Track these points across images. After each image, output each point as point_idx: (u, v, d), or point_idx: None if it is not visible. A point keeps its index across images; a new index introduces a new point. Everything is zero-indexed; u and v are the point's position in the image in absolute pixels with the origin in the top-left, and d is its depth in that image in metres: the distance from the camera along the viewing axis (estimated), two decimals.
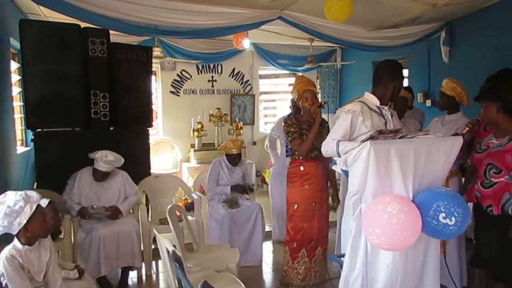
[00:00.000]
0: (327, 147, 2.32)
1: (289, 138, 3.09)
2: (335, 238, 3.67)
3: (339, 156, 2.18)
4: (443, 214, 1.80)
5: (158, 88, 6.84)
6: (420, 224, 1.82)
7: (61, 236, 3.37)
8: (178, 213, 3.41)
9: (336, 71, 7.93)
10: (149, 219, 4.09)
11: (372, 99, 2.45)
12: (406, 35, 5.01)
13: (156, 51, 5.21)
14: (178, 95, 6.90)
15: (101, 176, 3.49)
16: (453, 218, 1.79)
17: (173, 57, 6.29)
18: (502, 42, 4.42)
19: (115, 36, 4.40)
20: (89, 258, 3.25)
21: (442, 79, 3.50)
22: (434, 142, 2.01)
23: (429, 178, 2.02)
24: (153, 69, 6.64)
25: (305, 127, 3.09)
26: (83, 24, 3.82)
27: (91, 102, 3.91)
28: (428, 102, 5.53)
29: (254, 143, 7.49)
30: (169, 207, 2.92)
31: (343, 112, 2.38)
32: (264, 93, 7.85)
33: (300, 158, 3.08)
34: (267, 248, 4.35)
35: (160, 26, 4.22)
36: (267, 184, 6.89)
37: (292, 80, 8.02)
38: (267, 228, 4.64)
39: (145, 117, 4.42)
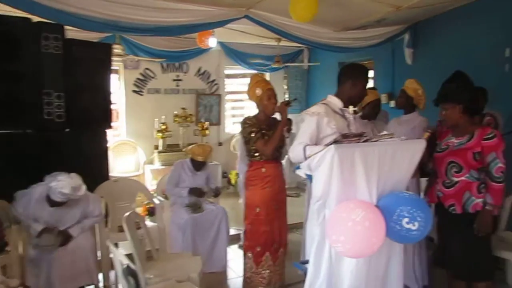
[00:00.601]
0: (295, 153, 2.26)
1: (251, 139, 2.97)
2: (300, 239, 3.61)
3: (305, 159, 2.13)
4: (407, 219, 1.76)
5: (120, 87, 6.59)
6: (384, 230, 1.77)
7: (8, 248, 3.07)
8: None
9: (304, 71, 7.93)
10: (108, 226, 3.89)
11: (335, 102, 2.41)
12: (372, 37, 5.05)
13: (117, 49, 4.99)
14: (142, 95, 6.67)
15: (56, 203, 2.98)
16: (416, 223, 1.76)
17: (136, 55, 6.06)
18: (462, 45, 4.53)
19: (75, 32, 4.16)
20: (40, 273, 2.92)
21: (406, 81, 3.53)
22: (398, 145, 1.98)
23: (393, 181, 1.99)
24: (115, 68, 6.42)
25: (264, 127, 3.00)
26: (35, 18, 3.57)
27: (44, 102, 3.67)
28: (392, 103, 5.60)
29: (220, 144, 7.36)
30: (125, 215, 2.75)
31: (307, 115, 2.34)
32: (231, 93, 7.74)
33: (262, 159, 2.99)
34: (233, 253, 4.25)
35: (120, 22, 4.01)
36: (233, 186, 6.81)
37: None
38: (234, 232, 4.55)
39: (104, 118, 4.20)
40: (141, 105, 6.62)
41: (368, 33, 4.99)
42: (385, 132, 2.03)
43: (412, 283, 3.30)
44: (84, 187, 3.05)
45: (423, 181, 3.29)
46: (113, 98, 4.64)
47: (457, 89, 2.56)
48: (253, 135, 2.95)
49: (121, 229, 3.71)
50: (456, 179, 2.55)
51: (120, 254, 2.04)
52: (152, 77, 6.72)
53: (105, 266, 3.54)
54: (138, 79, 6.61)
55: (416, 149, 2.00)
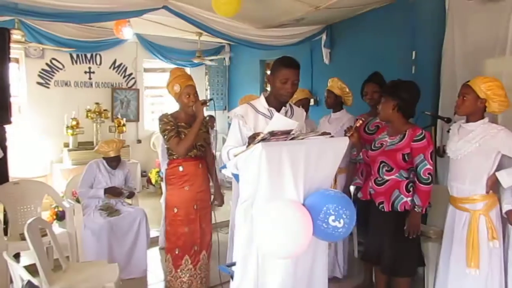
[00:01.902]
0: (223, 157, 2.23)
1: (165, 137, 2.81)
2: (226, 239, 3.53)
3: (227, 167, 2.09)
4: (333, 217, 1.77)
5: (21, 78, 5.91)
6: (311, 230, 1.77)
7: None
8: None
9: (225, 67, 7.86)
10: (8, 234, 3.45)
11: (262, 101, 2.33)
12: (291, 35, 5.15)
13: (16, 34, 4.43)
14: (48, 87, 6.06)
15: None
16: (341, 220, 1.78)
17: (40, 43, 5.46)
18: (374, 47, 4.79)
19: None
20: None
21: (324, 80, 3.65)
22: (324, 143, 2.00)
23: (319, 179, 2.00)
24: (15, 56, 5.74)
25: (183, 124, 2.85)
26: None
27: None
28: (312, 101, 5.78)
29: (139, 141, 7.01)
30: (28, 222, 2.43)
31: (232, 116, 2.28)
32: (150, 87, 7.40)
33: (179, 158, 2.85)
34: (154, 256, 4.04)
35: (20, 4, 3.59)
36: (153, 185, 6.52)
37: None
38: (156, 233, 4.33)
39: (2, 112, 3.70)
40: (47, 98, 6.01)
41: (288, 32, 5.08)
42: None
43: (336, 273, 3.45)
44: None
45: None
46: (12, 90, 4.13)
47: (396, 85, 2.63)
48: (166, 133, 2.79)
49: (24, 237, 3.32)
50: (387, 178, 2.63)
51: (19, 268, 1.77)
52: (60, 68, 6.14)
53: (3, 280, 3.12)
54: (44, 70, 5.99)
55: (340, 146, 2.03)
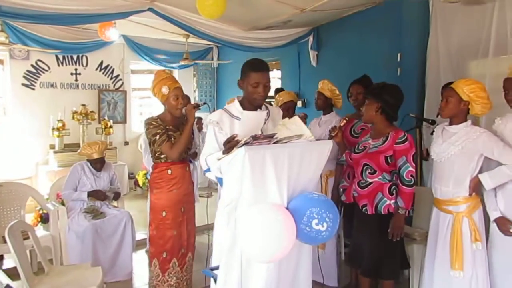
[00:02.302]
0: (202, 165, 2.22)
1: (156, 141, 2.77)
2: (207, 241, 3.51)
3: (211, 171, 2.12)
4: (316, 221, 1.77)
5: (6, 79, 5.82)
6: (295, 233, 1.77)
7: None
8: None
9: (213, 69, 7.85)
10: None
11: (236, 105, 2.30)
12: (278, 38, 5.16)
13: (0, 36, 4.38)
14: (33, 89, 5.98)
15: None
16: (325, 224, 1.78)
17: (25, 45, 5.40)
18: (360, 49, 4.83)
19: None
20: None
21: (311, 81, 3.66)
22: (307, 146, 1.99)
23: (303, 182, 1.99)
24: None
25: (171, 128, 2.82)
26: None
27: None
28: (299, 103, 5.80)
29: (127, 143, 6.95)
30: (9, 225, 2.39)
31: (207, 123, 2.27)
32: (138, 89, 7.35)
33: (168, 161, 2.83)
34: (140, 259, 4.00)
35: (4, 7, 3.54)
36: (141, 187, 6.47)
37: None
38: (142, 236, 4.29)
39: None
40: (33, 100, 5.94)
41: (274, 34, 5.10)
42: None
43: (318, 277, 3.43)
44: None
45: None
46: None
47: (380, 87, 2.64)
48: (157, 137, 2.75)
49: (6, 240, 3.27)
50: (370, 180, 2.63)
51: None
52: (46, 70, 6.07)
53: None
54: (29, 71, 5.92)
55: (323, 149, 2.03)
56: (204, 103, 2.84)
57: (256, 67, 2.20)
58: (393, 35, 4.37)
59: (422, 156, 2.99)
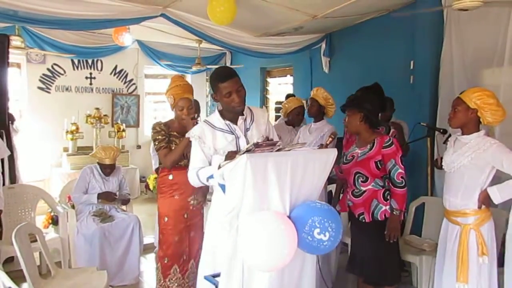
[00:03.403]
0: (191, 179, 2.23)
1: (155, 146, 2.80)
2: None
3: (203, 183, 2.14)
4: (318, 230, 1.75)
5: (23, 83, 5.95)
6: (296, 242, 1.75)
7: None
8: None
9: None
10: (2, 239, 3.45)
11: (217, 116, 2.27)
12: (290, 44, 5.15)
13: (16, 41, 4.47)
14: (49, 92, 6.11)
15: None
16: (327, 233, 1.76)
17: (42, 49, 5.51)
18: (373, 56, 4.79)
19: None
20: None
21: (323, 88, 3.62)
22: (311, 154, 1.98)
23: (306, 191, 1.97)
24: (16, 61, 5.80)
25: (175, 134, 2.83)
26: None
27: None
28: None
29: (139, 147, 7.02)
30: (17, 228, 2.43)
31: (190, 137, 2.26)
32: (151, 93, 7.42)
33: None
34: (149, 262, 4.01)
35: (20, 12, 3.62)
36: (151, 191, 6.51)
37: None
38: (151, 240, 4.30)
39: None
40: (48, 103, 6.06)
41: (286, 40, 5.09)
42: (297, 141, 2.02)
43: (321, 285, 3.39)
44: None
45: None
46: (12, 95, 4.17)
47: (361, 97, 2.66)
48: (156, 143, 2.77)
49: None
50: (363, 188, 2.63)
51: (2, 275, 1.77)
52: (61, 74, 6.19)
53: None
54: (45, 75, 6.05)
55: (327, 158, 2.01)
56: (198, 116, 2.82)
57: (222, 77, 2.16)
58: (406, 43, 4.31)
59: (436, 165, 2.94)
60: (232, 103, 2.16)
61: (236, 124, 2.24)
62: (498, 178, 2.45)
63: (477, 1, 2.71)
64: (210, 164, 2.18)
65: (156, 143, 2.77)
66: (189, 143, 2.74)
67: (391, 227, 2.57)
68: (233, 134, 2.23)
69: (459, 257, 2.38)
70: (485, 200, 2.38)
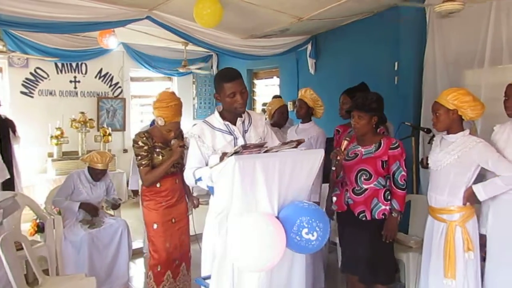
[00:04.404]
0: (188, 178, 2.23)
1: (137, 162, 2.77)
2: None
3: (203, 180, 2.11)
4: (306, 230, 1.77)
5: (5, 87, 5.85)
6: (285, 242, 1.76)
7: None
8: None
9: (213, 77, 7.84)
10: None
11: (216, 117, 2.29)
12: (276, 46, 5.18)
13: None
14: (32, 96, 6.01)
15: None
16: (315, 233, 1.78)
17: (24, 53, 5.43)
18: (358, 57, 4.83)
19: None
20: None
21: None
22: (298, 156, 2.00)
23: (294, 191, 1.99)
24: None
25: (159, 145, 2.81)
26: None
27: None
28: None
29: (125, 151, 6.94)
30: (2, 236, 2.38)
31: (189, 137, 2.27)
32: (137, 97, 7.37)
33: None
34: (138, 267, 3.98)
35: (3, 15, 3.56)
36: (139, 195, 6.45)
37: (168, 84, 7.71)
38: (140, 244, 4.26)
39: None
40: (31, 108, 5.96)
41: (273, 42, 5.11)
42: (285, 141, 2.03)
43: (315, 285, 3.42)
44: None
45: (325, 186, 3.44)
46: None
47: (377, 101, 2.66)
48: (139, 158, 2.74)
49: None
50: (365, 186, 2.65)
51: None
52: (45, 78, 6.10)
53: None
54: (28, 79, 5.96)
55: (315, 158, 2.03)
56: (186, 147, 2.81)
57: (228, 78, 2.19)
58: (390, 44, 4.38)
59: (422, 165, 3.00)
60: (235, 104, 2.19)
61: (235, 125, 2.28)
62: (482, 176, 2.51)
63: (457, 4, 2.78)
64: (207, 165, 2.18)
65: (138, 159, 2.75)
66: (172, 163, 2.75)
67: (388, 227, 2.60)
68: (232, 134, 2.25)
69: (446, 253, 2.43)
70: (470, 197, 2.44)
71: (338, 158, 2.58)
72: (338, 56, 5.19)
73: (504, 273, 2.42)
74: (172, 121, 2.73)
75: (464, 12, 2.96)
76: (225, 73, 2.25)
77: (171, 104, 2.72)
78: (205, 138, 2.22)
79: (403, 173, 2.61)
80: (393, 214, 2.61)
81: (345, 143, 2.63)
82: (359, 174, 2.67)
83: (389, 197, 2.64)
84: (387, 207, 2.62)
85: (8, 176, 3.28)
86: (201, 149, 2.20)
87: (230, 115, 2.27)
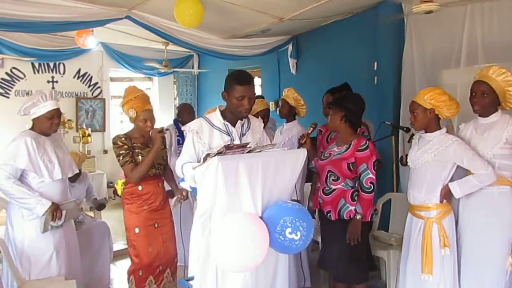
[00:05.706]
0: (178, 171, 2.22)
1: (119, 162, 2.75)
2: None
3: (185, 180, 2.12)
4: (289, 229, 1.79)
5: None
6: (268, 242, 1.78)
7: None
8: None
9: (194, 77, 7.82)
10: None
11: (217, 115, 2.30)
12: (257, 46, 5.20)
13: None
14: (8, 97, 5.86)
15: None
16: (298, 233, 1.80)
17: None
18: (338, 57, 4.90)
19: None
20: None
21: None
22: (281, 155, 2.02)
23: (278, 191, 2.01)
24: None
25: (138, 145, 2.79)
26: None
27: None
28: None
29: (106, 152, 6.84)
30: None
31: (187, 131, 2.27)
32: (118, 97, 7.26)
33: None
34: (120, 270, 3.92)
35: None
36: (119, 196, 6.36)
37: (149, 84, 7.62)
38: (122, 246, 4.20)
39: None
40: (7, 109, 5.76)
41: (254, 42, 5.13)
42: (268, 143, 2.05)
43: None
44: None
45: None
46: None
47: (345, 97, 2.72)
48: (121, 158, 2.72)
49: None
50: (333, 187, 2.67)
51: None
52: (21, 78, 5.96)
53: None
54: (3, 79, 5.81)
55: (298, 158, 2.05)
56: (167, 129, 2.78)
57: (241, 81, 2.19)
58: (369, 44, 4.44)
59: (402, 162, 3.06)
60: (241, 108, 2.19)
61: (234, 126, 2.28)
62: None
63: (434, 5, 2.84)
64: (198, 161, 2.15)
65: (121, 158, 2.72)
66: (156, 155, 2.71)
67: (351, 231, 2.58)
68: (230, 135, 2.26)
69: (423, 249, 2.49)
70: (446, 194, 2.51)
71: (301, 142, 2.62)
72: (318, 56, 5.24)
73: (476, 265, 2.48)
74: (143, 109, 2.75)
75: (441, 13, 3.04)
76: (239, 75, 2.25)
77: (137, 95, 2.79)
78: (203, 134, 2.22)
79: (369, 175, 2.56)
80: (357, 217, 2.58)
81: (310, 128, 2.73)
82: (328, 175, 2.68)
83: (356, 198, 2.62)
84: (354, 208, 2.60)
85: (78, 171, 3.21)
86: (196, 145, 2.20)
87: (232, 116, 2.27)
